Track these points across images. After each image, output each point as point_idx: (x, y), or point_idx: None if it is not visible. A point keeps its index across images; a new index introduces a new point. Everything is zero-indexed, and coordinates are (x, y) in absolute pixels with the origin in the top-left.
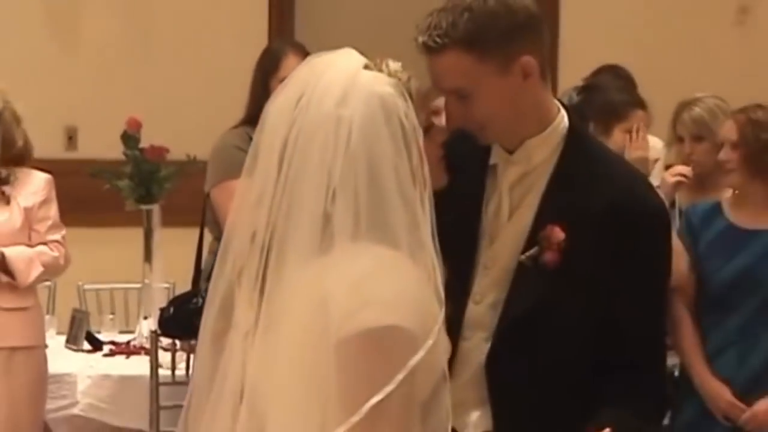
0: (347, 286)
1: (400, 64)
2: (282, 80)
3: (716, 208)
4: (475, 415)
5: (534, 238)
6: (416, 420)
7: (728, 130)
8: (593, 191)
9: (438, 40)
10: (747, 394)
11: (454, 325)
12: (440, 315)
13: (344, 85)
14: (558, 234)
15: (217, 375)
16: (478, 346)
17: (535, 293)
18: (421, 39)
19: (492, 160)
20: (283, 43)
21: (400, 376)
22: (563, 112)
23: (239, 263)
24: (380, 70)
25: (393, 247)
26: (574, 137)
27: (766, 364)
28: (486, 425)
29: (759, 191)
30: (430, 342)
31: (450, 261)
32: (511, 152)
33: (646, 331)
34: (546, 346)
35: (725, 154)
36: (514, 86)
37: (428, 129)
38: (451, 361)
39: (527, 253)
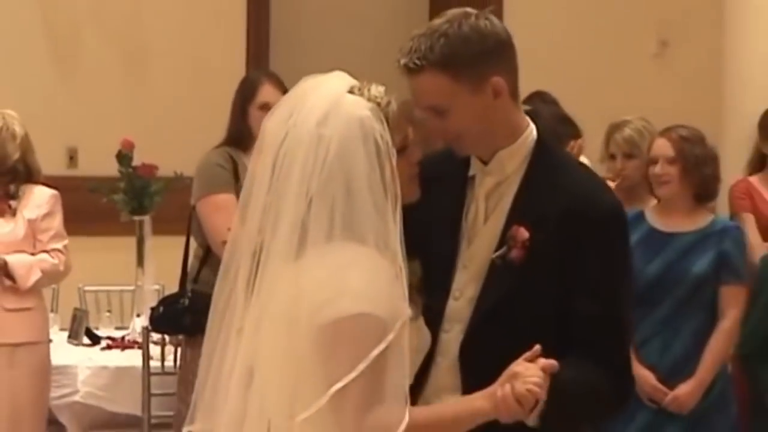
0: (322, 278)
1: (383, 88)
2: (259, 105)
3: (639, 216)
4: (452, 401)
5: (504, 238)
6: (379, 402)
7: (663, 147)
8: (556, 195)
9: (417, 62)
10: (669, 379)
11: (436, 319)
12: (405, 311)
13: (327, 107)
14: (523, 233)
15: (221, 364)
16: (456, 337)
17: (503, 287)
18: (402, 61)
19: (471, 172)
20: (259, 73)
21: (362, 366)
22: (532, 126)
23: (236, 269)
24: (362, 95)
25: (365, 246)
26: (541, 148)
27: (686, 353)
28: None
29: (686, 200)
30: (391, 336)
31: (434, 261)
32: (485, 163)
33: (605, 323)
34: (513, 336)
35: (662, 169)
36: (486, 104)
37: (404, 149)
38: (433, 352)
39: (498, 252)
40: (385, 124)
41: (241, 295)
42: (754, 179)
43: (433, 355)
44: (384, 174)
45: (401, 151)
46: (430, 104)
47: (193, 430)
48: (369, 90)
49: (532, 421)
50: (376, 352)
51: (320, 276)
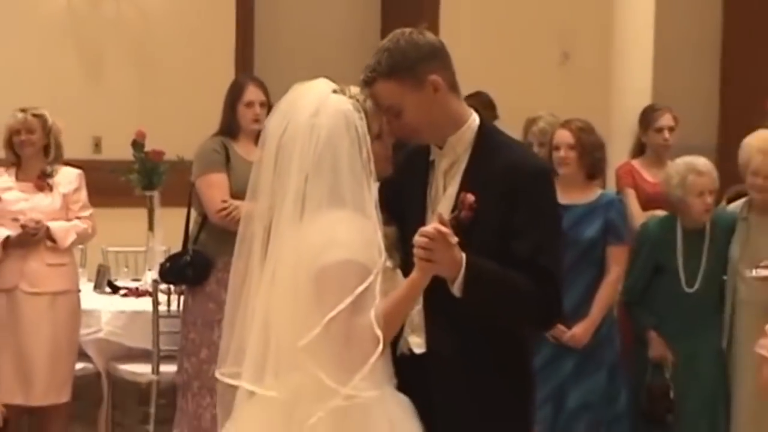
0: (317, 235)
1: (359, 89)
2: (245, 103)
3: None
4: (420, 336)
5: (456, 203)
6: (359, 327)
7: (565, 137)
8: (495, 165)
9: (370, 75)
10: (567, 320)
11: (410, 270)
12: (380, 262)
13: (317, 104)
14: (469, 198)
15: (244, 315)
16: None
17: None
18: (361, 78)
19: (431, 158)
20: (245, 77)
21: (348, 300)
22: (475, 114)
23: (251, 238)
24: (344, 94)
25: (348, 210)
26: (483, 131)
27: (580, 300)
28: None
29: (580, 178)
30: (371, 278)
31: (409, 227)
32: (441, 148)
33: (541, 260)
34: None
35: (564, 153)
36: (429, 98)
37: (379, 136)
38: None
39: (452, 215)
40: (363, 116)
41: (257, 258)
42: (636, 162)
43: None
44: (362, 155)
45: (377, 137)
46: (386, 106)
47: (224, 371)
48: (349, 90)
49: (456, 291)
50: (360, 289)
51: (315, 234)
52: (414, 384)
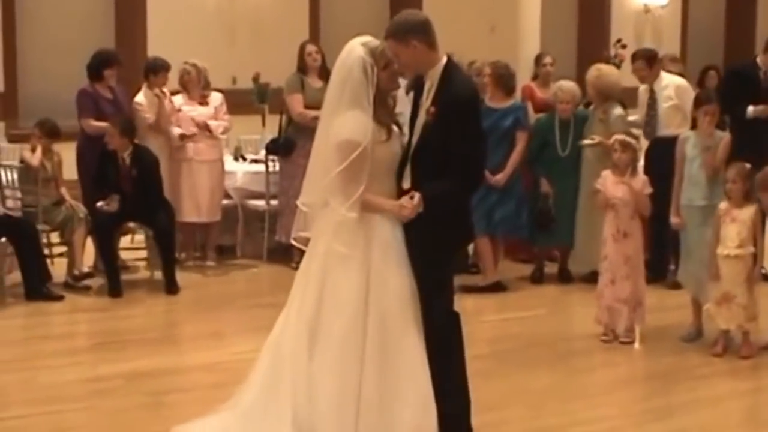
0: (338, 123)
1: (378, 41)
2: (308, 54)
3: (483, 101)
4: (407, 182)
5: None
6: (352, 187)
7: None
8: (447, 89)
9: (385, 34)
10: (493, 173)
11: (407, 150)
12: (367, 140)
13: (350, 49)
14: (431, 110)
15: (313, 164)
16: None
17: (425, 135)
18: (383, 35)
19: (424, 85)
20: (307, 41)
21: (345, 163)
22: (445, 58)
23: (321, 123)
24: (366, 45)
25: (360, 109)
26: (447, 68)
27: (500, 160)
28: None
29: (500, 94)
30: (360, 149)
31: (413, 114)
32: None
33: (461, 151)
34: (429, 158)
35: (489, 80)
36: (411, 53)
37: (386, 67)
38: (402, 167)
39: (425, 119)
40: (372, 57)
41: (323, 130)
42: (532, 84)
43: (403, 170)
44: (368, 78)
45: (384, 68)
46: (392, 53)
47: (300, 201)
48: (371, 43)
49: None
50: (353, 156)
51: (337, 122)
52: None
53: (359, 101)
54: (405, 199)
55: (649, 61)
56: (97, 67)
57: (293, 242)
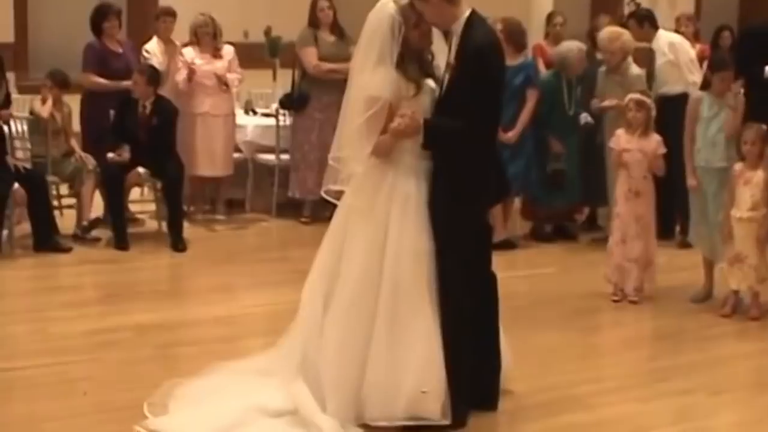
0: (365, 78)
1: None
2: (320, 9)
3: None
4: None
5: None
6: (371, 136)
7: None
8: (467, 40)
9: None
10: (505, 130)
11: (433, 101)
12: (386, 96)
13: (380, 6)
14: (452, 63)
15: (343, 119)
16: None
17: (448, 89)
18: None
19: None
20: None
21: (368, 113)
22: (467, 13)
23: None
24: (396, 3)
25: (384, 66)
26: (470, 21)
27: (511, 118)
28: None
29: (512, 50)
30: (381, 102)
31: (438, 88)
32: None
33: (475, 93)
34: (449, 111)
35: (501, 36)
36: (434, 9)
37: (418, 23)
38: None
39: (448, 69)
40: (402, 15)
41: (352, 86)
42: (543, 42)
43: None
44: (394, 36)
45: (417, 25)
46: (420, 11)
47: (331, 155)
48: (402, 0)
49: (421, 143)
50: (375, 108)
51: (365, 78)
52: None
53: (384, 58)
54: (397, 116)
55: (640, 22)
56: (95, 21)
57: (323, 195)
